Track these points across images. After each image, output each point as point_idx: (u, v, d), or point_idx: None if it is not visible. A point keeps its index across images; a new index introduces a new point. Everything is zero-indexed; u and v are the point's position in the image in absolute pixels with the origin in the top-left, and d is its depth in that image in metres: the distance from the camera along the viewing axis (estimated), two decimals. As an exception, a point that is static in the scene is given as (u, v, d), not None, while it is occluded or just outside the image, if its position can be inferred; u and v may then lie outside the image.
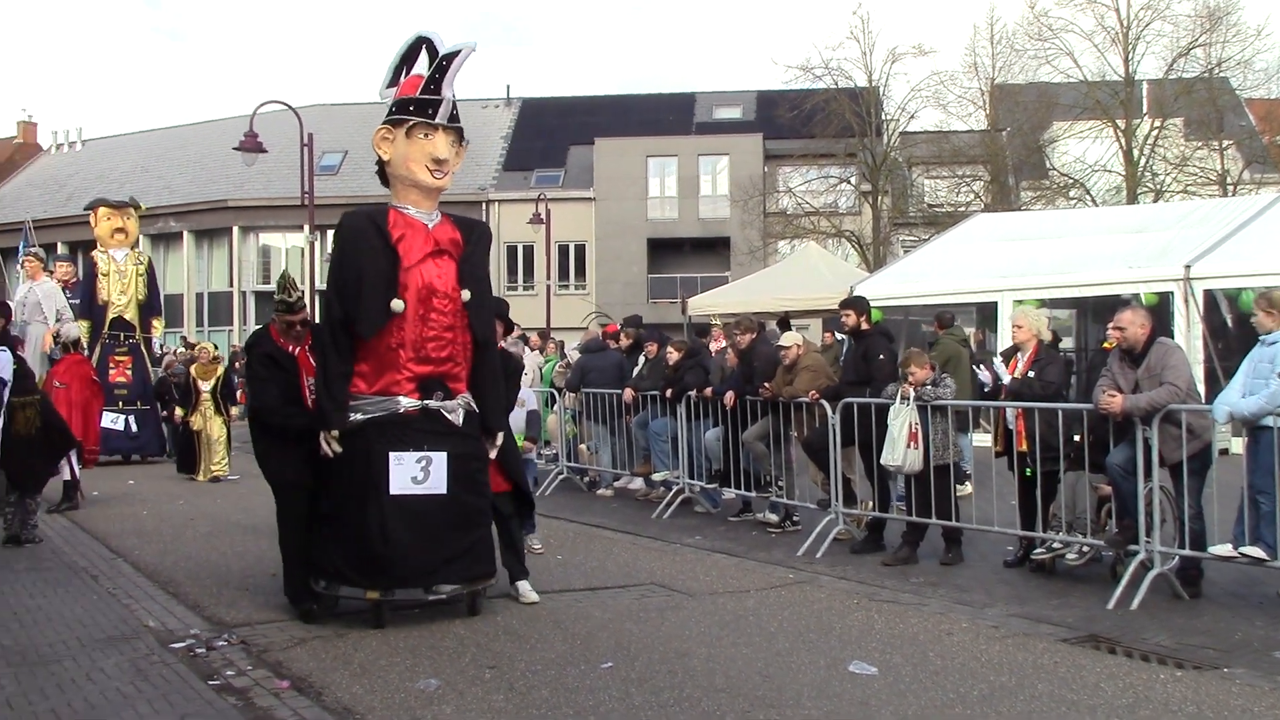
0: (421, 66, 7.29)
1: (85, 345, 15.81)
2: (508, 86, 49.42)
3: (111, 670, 6.04)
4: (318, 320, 7.99)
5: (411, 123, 7.16)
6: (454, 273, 7.23)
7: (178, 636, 6.76)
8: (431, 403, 7.09)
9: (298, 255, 41.54)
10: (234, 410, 15.70)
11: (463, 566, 7.10)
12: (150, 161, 48.80)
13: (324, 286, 7.67)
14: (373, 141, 7.37)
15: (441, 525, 7.01)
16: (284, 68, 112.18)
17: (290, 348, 7.46)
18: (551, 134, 45.38)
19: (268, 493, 7.61)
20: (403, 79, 7.35)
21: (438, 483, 6.99)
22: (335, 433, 6.99)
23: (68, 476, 12.16)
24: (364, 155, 45.82)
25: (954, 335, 12.85)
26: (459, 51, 7.22)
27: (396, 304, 6.97)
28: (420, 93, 7.19)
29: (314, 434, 7.08)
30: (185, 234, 43.96)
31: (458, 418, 7.19)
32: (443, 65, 7.20)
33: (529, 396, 9.88)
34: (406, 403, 7.03)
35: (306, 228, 24.64)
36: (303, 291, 7.43)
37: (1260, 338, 7.53)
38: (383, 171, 7.48)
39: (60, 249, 34.39)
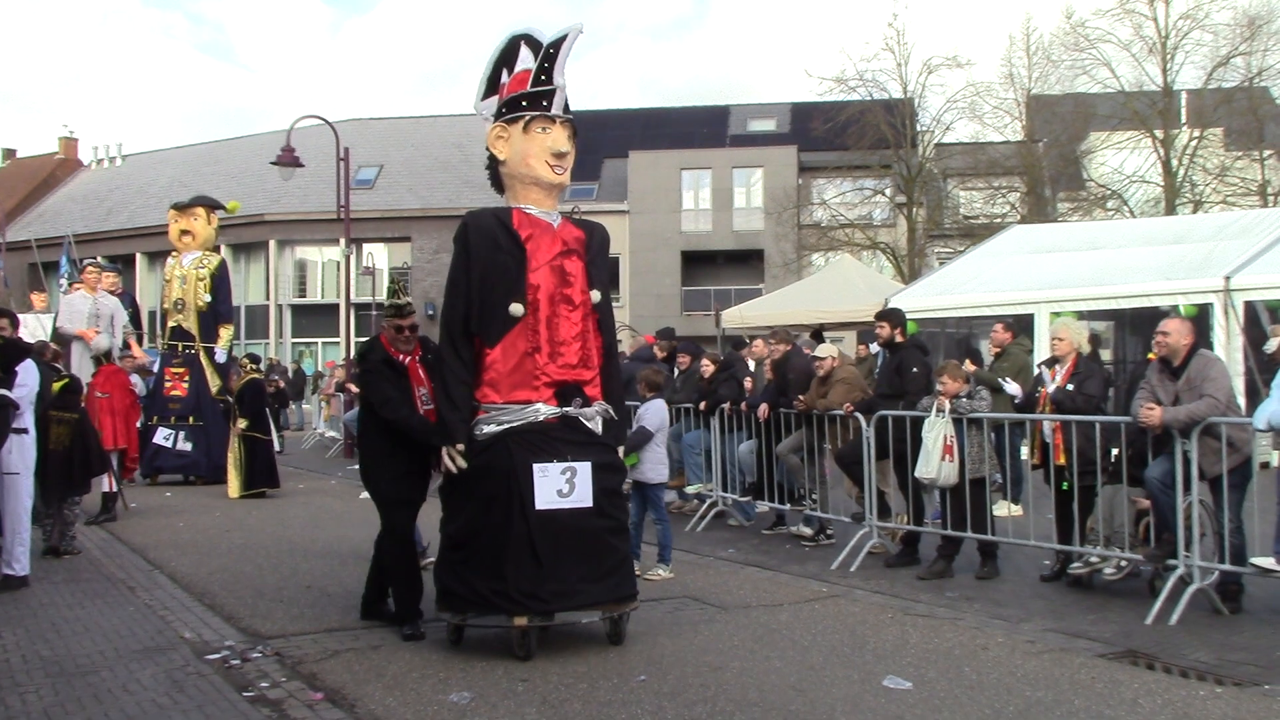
0: (525, 62, 6.95)
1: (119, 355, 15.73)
2: (542, 100, 49.62)
3: (148, 681, 6.09)
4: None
5: (528, 117, 6.83)
6: (583, 273, 6.90)
7: (213, 648, 6.81)
8: (571, 410, 6.71)
9: (333, 269, 41.92)
10: (240, 423, 14.93)
11: (609, 587, 6.68)
12: (188, 176, 49.31)
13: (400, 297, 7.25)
14: (487, 141, 7.02)
15: (589, 542, 6.58)
16: (321, 82, 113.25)
17: (401, 357, 7.15)
18: (585, 147, 44.84)
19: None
20: (503, 82, 7.02)
21: (584, 495, 6.54)
22: (460, 446, 6.63)
23: (107, 488, 12.29)
24: (399, 169, 46.40)
25: (1021, 345, 12.73)
26: (565, 36, 6.88)
27: (515, 308, 6.62)
28: (532, 85, 6.86)
29: (426, 448, 6.84)
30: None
31: (597, 425, 6.83)
32: (550, 53, 6.86)
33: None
34: (545, 410, 6.65)
35: (343, 241, 24.79)
36: (411, 299, 7.17)
37: None
38: (494, 175, 7.11)
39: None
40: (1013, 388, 9.94)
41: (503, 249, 6.69)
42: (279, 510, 13.35)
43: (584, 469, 6.56)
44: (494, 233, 6.72)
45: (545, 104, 6.85)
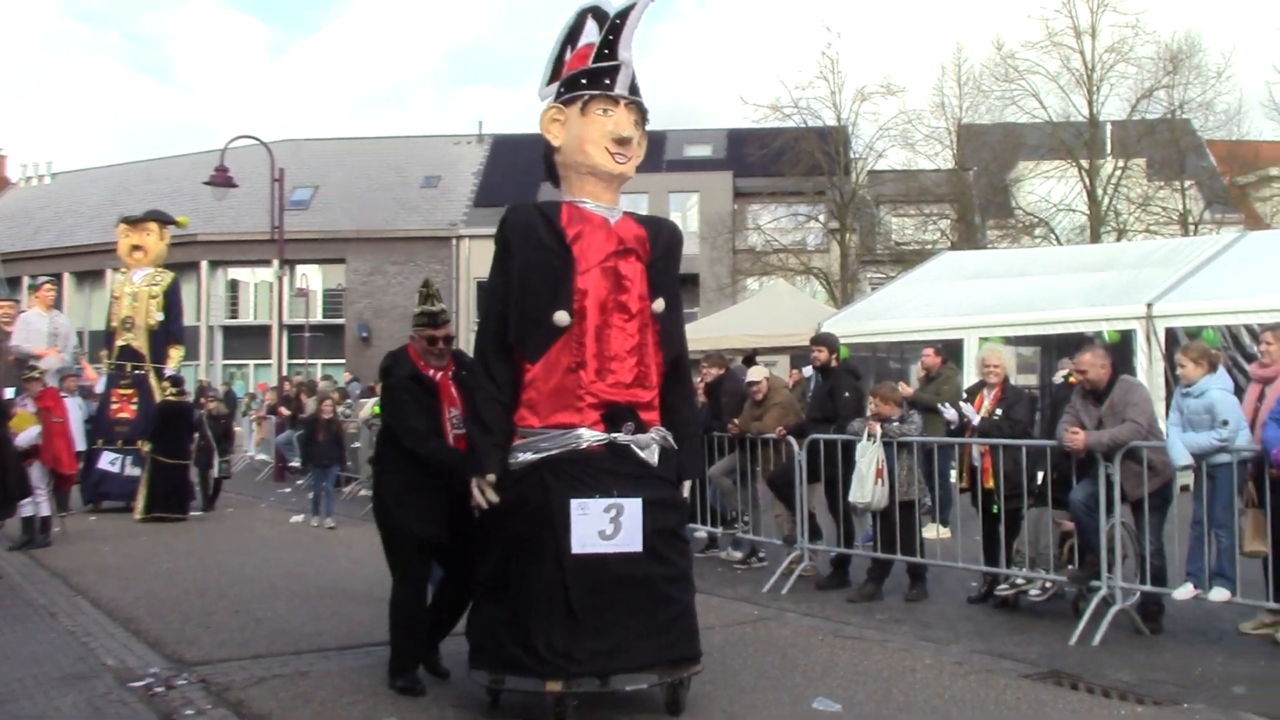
0: (589, 36, 6.08)
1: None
2: (480, 122, 49.84)
3: (68, 710, 5.95)
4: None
5: (586, 97, 5.91)
6: (642, 277, 5.94)
7: (137, 675, 6.66)
8: (621, 437, 5.71)
9: (266, 290, 41.47)
10: (144, 446, 14.71)
11: (662, 646, 5.66)
12: (119, 195, 48.53)
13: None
14: (541, 125, 6.08)
15: (639, 593, 5.60)
16: (263, 103, 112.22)
17: (431, 372, 6.33)
18: (523, 171, 45.26)
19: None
20: (565, 60, 6.15)
21: (631, 538, 5.56)
22: (491, 478, 5.69)
23: (45, 513, 12.09)
24: (335, 190, 46.07)
25: (951, 369, 12.84)
26: (632, 6, 5.95)
27: (560, 317, 5.68)
28: (593, 61, 5.95)
29: (456, 479, 5.92)
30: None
31: (652, 455, 5.80)
32: (616, 25, 5.96)
33: None
34: (589, 436, 5.66)
35: (276, 262, 24.57)
36: (445, 305, 6.31)
37: (1181, 389, 7.63)
38: (550, 164, 6.19)
39: (26, 283, 34.06)
40: (950, 413, 10.03)
41: (546, 248, 5.77)
42: (207, 535, 13.13)
43: (633, 506, 5.59)
44: (536, 230, 5.81)
45: (608, 82, 5.93)
